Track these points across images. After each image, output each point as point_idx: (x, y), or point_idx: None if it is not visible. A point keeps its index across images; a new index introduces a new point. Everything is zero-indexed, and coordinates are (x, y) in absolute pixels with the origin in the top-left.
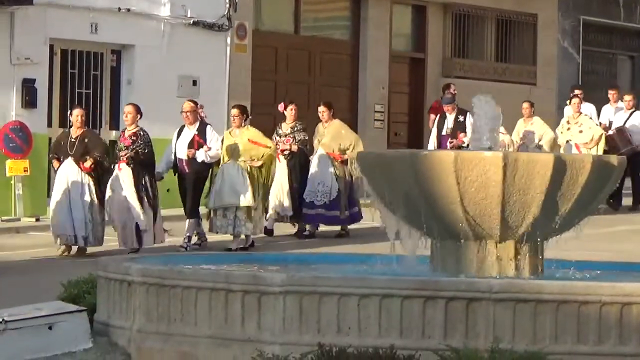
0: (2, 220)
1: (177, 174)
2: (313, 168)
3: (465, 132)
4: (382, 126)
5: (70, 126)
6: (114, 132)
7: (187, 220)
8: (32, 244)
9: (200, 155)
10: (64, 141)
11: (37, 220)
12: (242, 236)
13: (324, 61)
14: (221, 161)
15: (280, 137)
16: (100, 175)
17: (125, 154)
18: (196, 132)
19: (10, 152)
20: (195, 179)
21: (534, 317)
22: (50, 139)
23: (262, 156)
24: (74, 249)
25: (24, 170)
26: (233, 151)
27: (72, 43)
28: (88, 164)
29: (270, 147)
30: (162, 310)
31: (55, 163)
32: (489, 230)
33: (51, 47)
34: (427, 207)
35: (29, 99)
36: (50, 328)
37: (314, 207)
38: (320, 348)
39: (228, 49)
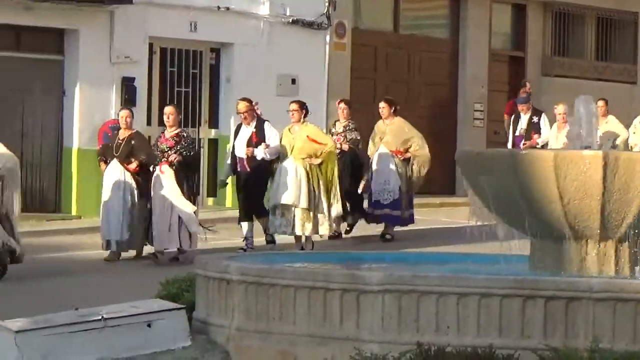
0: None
1: (235, 174)
2: (375, 166)
3: (540, 133)
4: (482, 125)
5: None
6: (213, 130)
7: (252, 220)
8: None
9: (260, 153)
10: (112, 143)
11: None
12: (304, 237)
13: (423, 60)
14: (284, 157)
15: (333, 135)
16: (145, 178)
17: (168, 156)
18: (254, 130)
19: None
20: (256, 178)
21: (634, 317)
22: (149, 137)
23: (321, 154)
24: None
25: None
26: (292, 148)
27: (172, 41)
28: (133, 165)
29: (327, 145)
30: (260, 309)
31: (102, 165)
32: (589, 229)
33: (150, 45)
34: (527, 206)
35: (128, 97)
36: (149, 326)
37: (381, 206)
38: (419, 347)
39: (327, 47)
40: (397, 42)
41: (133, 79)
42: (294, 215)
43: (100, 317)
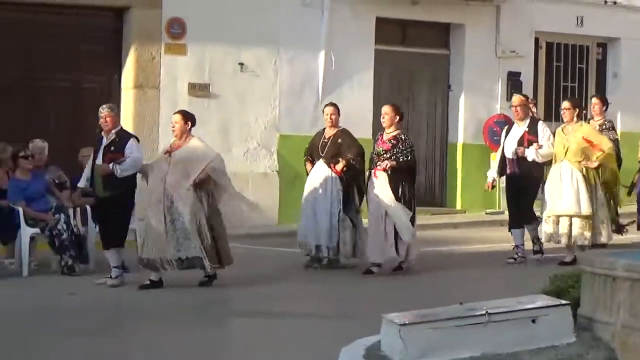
0: (487, 213)
1: (505, 176)
2: None
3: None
4: None
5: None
6: None
7: (522, 227)
8: None
9: (531, 154)
10: (317, 141)
11: None
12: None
13: None
14: (553, 161)
15: None
16: (352, 178)
17: (384, 160)
18: (526, 129)
19: (495, 145)
20: (526, 181)
21: None
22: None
23: (597, 157)
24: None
25: None
26: (566, 150)
27: (557, 36)
28: (340, 166)
29: (604, 148)
30: None
31: (308, 165)
32: None
33: (536, 40)
34: None
35: (513, 91)
36: (533, 321)
37: None
38: None
39: None
40: None
41: (519, 74)
42: (571, 224)
43: (484, 312)
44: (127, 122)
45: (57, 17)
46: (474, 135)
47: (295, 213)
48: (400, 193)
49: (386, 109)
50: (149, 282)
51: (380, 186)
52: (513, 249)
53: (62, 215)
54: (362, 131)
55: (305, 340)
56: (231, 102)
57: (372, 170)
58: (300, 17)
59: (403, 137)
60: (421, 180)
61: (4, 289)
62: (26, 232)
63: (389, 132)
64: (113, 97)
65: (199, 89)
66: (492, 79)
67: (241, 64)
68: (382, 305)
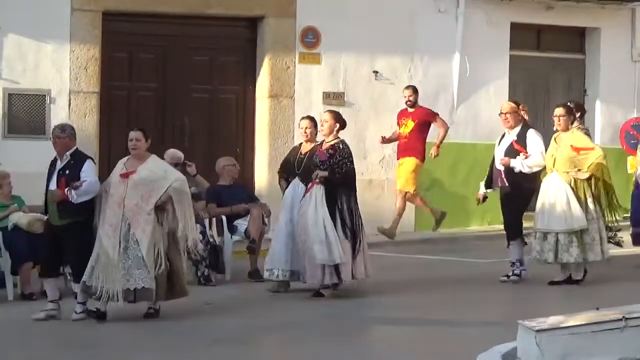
0: (624, 217)
1: (500, 188)
2: None
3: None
4: None
5: None
6: None
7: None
8: None
9: (517, 165)
10: (292, 157)
11: None
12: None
13: None
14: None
15: None
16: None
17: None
18: (515, 138)
19: (631, 149)
20: (514, 194)
21: None
22: None
23: (589, 166)
24: None
25: None
26: (554, 160)
27: None
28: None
29: (594, 155)
30: None
31: (282, 183)
32: None
33: None
34: None
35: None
36: None
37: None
38: None
39: None
40: None
41: None
42: (557, 240)
43: (621, 317)
44: (261, 132)
45: (192, 28)
46: (610, 139)
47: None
48: (338, 207)
49: (325, 116)
50: (94, 310)
51: (316, 198)
52: (511, 265)
53: (198, 226)
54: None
55: (440, 346)
56: (366, 110)
57: (309, 184)
58: (434, 23)
59: (341, 147)
60: None
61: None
62: None
63: (328, 142)
64: (248, 106)
65: (333, 98)
66: (628, 82)
67: (375, 72)
68: (518, 311)
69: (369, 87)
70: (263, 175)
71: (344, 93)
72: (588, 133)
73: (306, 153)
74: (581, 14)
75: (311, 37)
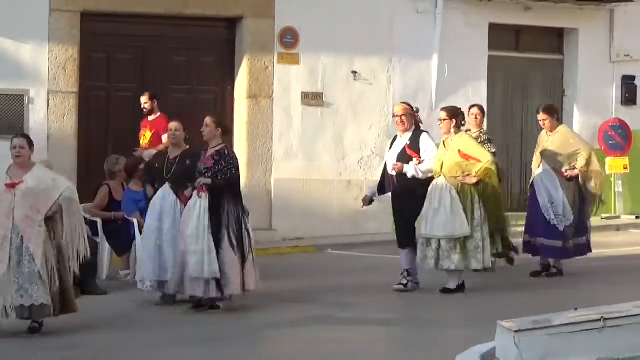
0: (602, 218)
1: (392, 193)
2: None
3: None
4: None
5: None
6: None
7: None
8: (633, 241)
9: (410, 170)
10: (159, 162)
11: (638, 217)
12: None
13: None
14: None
15: None
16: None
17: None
18: (408, 142)
19: (610, 150)
20: (405, 199)
21: None
22: None
23: (478, 171)
24: None
25: (624, 168)
26: (441, 165)
27: None
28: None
29: (482, 161)
30: None
31: (149, 189)
32: None
33: None
34: None
35: (628, 96)
36: None
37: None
38: None
39: None
40: None
41: (633, 78)
42: (440, 246)
43: (600, 318)
44: (240, 132)
45: (171, 29)
46: (589, 139)
47: None
48: (224, 217)
49: (207, 120)
50: None
51: (200, 208)
52: (401, 275)
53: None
54: None
55: (419, 347)
56: (344, 111)
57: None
58: (413, 24)
59: (226, 152)
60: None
61: (129, 301)
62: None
63: (212, 147)
64: (227, 107)
65: (312, 98)
66: (607, 83)
67: (354, 72)
68: (496, 312)
69: (347, 88)
70: (241, 176)
71: (322, 93)
72: (490, 140)
73: (175, 158)
74: (560, 14)
75: (290, 38)
